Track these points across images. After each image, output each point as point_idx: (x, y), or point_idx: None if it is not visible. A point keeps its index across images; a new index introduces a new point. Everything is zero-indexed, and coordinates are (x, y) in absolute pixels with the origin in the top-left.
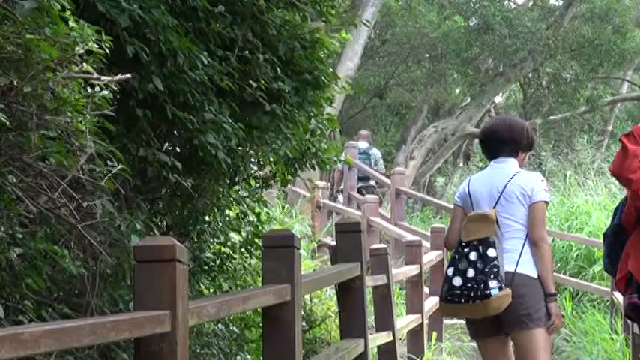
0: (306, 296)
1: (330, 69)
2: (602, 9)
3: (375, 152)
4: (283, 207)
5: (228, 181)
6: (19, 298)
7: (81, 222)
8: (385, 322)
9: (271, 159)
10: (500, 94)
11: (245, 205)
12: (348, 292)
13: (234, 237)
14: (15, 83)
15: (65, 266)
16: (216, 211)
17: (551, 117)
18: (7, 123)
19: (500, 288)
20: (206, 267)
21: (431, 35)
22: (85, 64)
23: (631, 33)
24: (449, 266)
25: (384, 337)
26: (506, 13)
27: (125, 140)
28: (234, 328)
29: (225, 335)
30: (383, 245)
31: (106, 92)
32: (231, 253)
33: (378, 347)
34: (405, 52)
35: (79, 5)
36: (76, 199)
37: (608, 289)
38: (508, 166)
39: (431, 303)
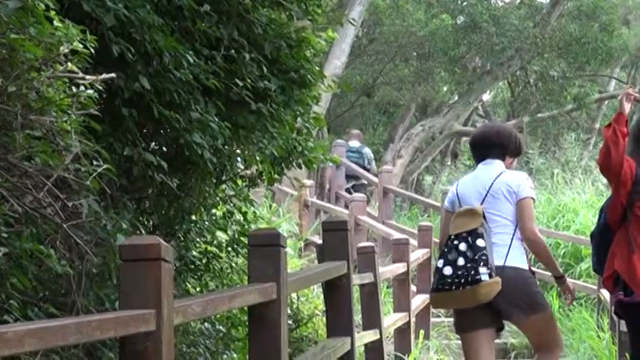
0: (293, 295)
1: (317, 67)
2: (589, 7)
3: (367, 151)
4: (271, 206)
5: (214, 180)
6: (5, 297)
7: (66, 221)
8: (372, 320)
9: (258, 158)
10: (488, 92)
11: (232, 204)
12: (335, 291)
13: (221, 236)
14: None
15: (51, 266)
16: (202, 210)
17: (538, 115)
18: None
19: (490, 275)
20: (192, 266)
21: (418, 34)
22: (69, 63)
23: (618, 31)
24: (439, 258)
25: (370, 336)
26: (493, 11)
27: (111, 139)
28: (221, 327)
29: (211, 334)
30: (370, 243)
31: (91, 92)
32: (217, 252)
33: (365, 345)
34: (393, 51)
35: (63, 5)
36: (61, 198)
37: (595, 287)
38: (494, 166)
39: (418, 301)
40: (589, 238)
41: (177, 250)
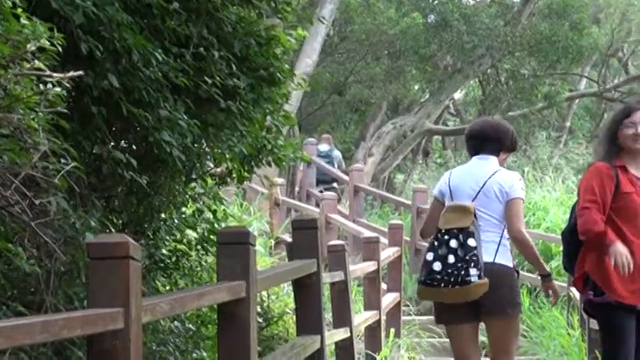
0: (264, 293)
1: (287, 66)
2: (559, 5)
3: (337, 154)
4: (241, 204)
5: (184, 179)
6: None
7: (35, 219)
8: (342, 318)
9: (227, 156)
10: (459, 90)
11: (201, 203)
12: (305, 289)
13: (191, 234)
14: None
15: (19, 264)
16: (172, 208)
17: (509, 113)
18: None
19: (479, 276)
20: (162, 264)
21: (389, 32)
22: (37, 61)
23: (588, 29)
24: (428, 251)
25: (341, 334)
26: (464, 9)
27: (80, 138)
28: (191, 326)
29: (181, 332)
30: (341, 242)
31: (59, 89)
32: (187, 250)
33: (336, 344)
34: (364, 49)
35: (31, 2)
36: (29, 196)
37: (565, 285)
38: (489, 163)
39: (388, 299)
40: (560, 237)
41: (146, 248)
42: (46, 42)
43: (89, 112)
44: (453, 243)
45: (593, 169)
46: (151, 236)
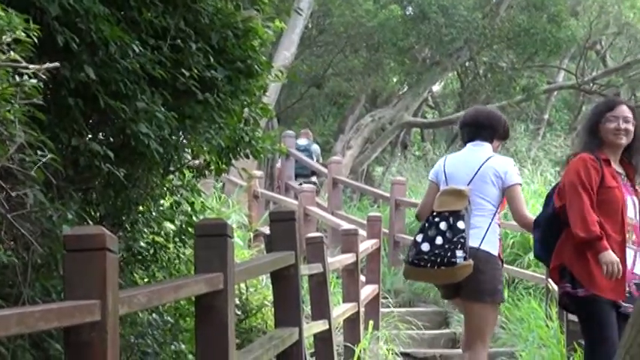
0: (242, 285)
1: (265, 58)
2: None
3: (315, 148)
4: (220, 197)
5: (161, 171)
6: None
7: (11, 212)
8: (321, 310)
9: (205, 148)
10: (438, 83)
11: (179, 195)
12: (283, 281)
13: (169, 227)
14: None
15: None
16: (150, 200)
17: (488, 106)
18: None
19: (465, 258)
20: (140, 257)
21: (368, 24)
22: (12, 52)
23: (566, 22)
24: (418, 233)
25: (320, 326)
26: (442, 2)
27: (57, 130)
28: (169, 318)
29: (159, 325)
30: (319, 234)
31: (35, 81)
32: (165, 242)
33: (314, 336)
34: (343, 42)
35: None
36: (5, 188)
37: (544, 277)
38: (483, 149)
39: (367, 291)
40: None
41: (124, 240)
42: (22, 33)
43: (66, 104)
44: (443, 225)
45: (579, 161)
46: (129, 229)
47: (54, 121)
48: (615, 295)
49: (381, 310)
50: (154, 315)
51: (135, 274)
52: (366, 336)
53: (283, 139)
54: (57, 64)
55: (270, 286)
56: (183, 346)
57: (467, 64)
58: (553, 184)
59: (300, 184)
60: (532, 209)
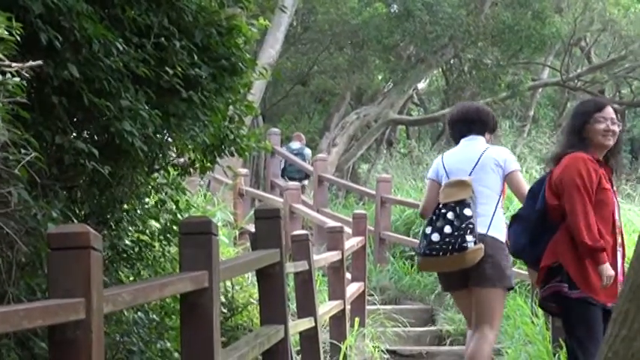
0: (228, 283)
1: (249, 55)
2: None
3: (308, 152)
4: (205, 195)
5: (146, 169)
6: None
7: None
8: (307, 308)
9: (190, 146)
10: (423, 80)
11: (164, 193)
12: (268, 279)
13: (154, 225)
14: None
15: None
16: (134, 199)
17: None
18: None
19: (475, 242)
20: (125, 255)
21: (352, 22)
22: None
23: (551, 18)
24: (426, 226)
25: (305, 324)
26: None
27: (41, 128)
28: (154, 317)
29: (145, 323)
30: (304, 232)
31: (18, 79)
32: (150, 240)
33: (300, 333)
34: (327, 39)
35: None
36: None
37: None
38: (478, 142)
39: (353, 289)
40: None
41: (109, 239)
42: (5, 32)
43: (50, 102)
44: (450, 215)
45: (579, 160)
46: (114, 227)
47: (38, 120)
48: (608, 298)
49: (367, 307)
50: (139, 313)
51: (120, 273)
52: (352, 333)
53: (268, 136)
54: (40, 62)
55: (256, 284)
56: (168, 344)
57: (452, 61)
58: (538, 179)
59: None
60: (517, 206)
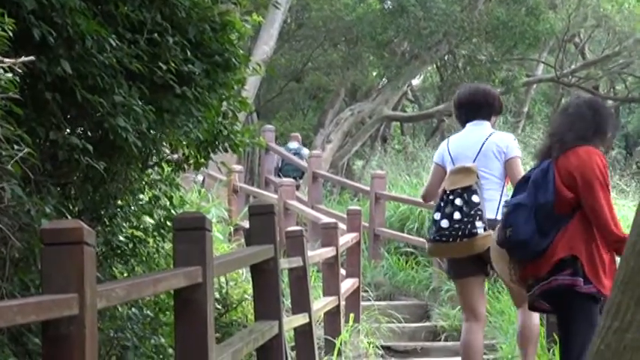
0: (222, 279)
1: (243, 51)
2: None
3: (305, 152)
4: (200, 191)
5: (140, 165)
6: None
7: None
8: (301, 304)
9: (183, 142)
10: (417, 76)
11: (158, 189)
12: (262, 275)
13: (148, 221)
14: None
15: None
16: (128, 195)
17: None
18: None
19: (484, 229)
20: (119, 251)
21: (346, 18)
22: None
23: (545, 14)
24: (435, 211)
25: (300, 320)
26: None
27: (34, 124)
28: (148, 312)
29: (139, 319)
30: (299, 228)
31: (10, 75)
32: (144, 236)
33: (295, 329)
34: (321, 36)
35: None
36: None
37: None
38: (484, 127)
39: (347, 285)
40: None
41: (103, 235)
42: None
43: (43, 98)
44: (458, 201)
45: (595, 155)
46: (108, 223)
47: (31, 116)
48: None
49: (362, 303)
50: (133, 309)
51: (114, 269)
52: (347, 329)
53: (263, 133)
54: (32, 57)
55: (250, 280)
56: (162, 340)
57: (446, 57)
58: (538, 167)
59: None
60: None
